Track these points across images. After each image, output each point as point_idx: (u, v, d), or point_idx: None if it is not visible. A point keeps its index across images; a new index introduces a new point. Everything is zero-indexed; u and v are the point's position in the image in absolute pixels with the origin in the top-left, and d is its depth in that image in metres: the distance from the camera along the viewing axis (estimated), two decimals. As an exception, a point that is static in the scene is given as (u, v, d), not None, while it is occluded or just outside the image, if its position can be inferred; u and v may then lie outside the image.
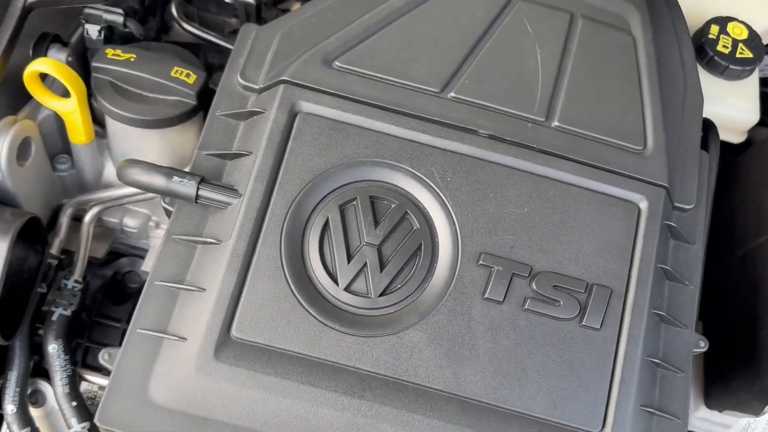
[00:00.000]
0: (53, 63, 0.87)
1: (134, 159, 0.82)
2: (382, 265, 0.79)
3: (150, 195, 1.00)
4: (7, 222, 0.85)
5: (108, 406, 0.74)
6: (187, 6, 1.13)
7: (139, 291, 1.10)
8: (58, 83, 0.90)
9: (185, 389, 0.74)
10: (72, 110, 0.90)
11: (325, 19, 0.89)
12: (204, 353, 0.74)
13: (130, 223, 1.05)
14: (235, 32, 1.17)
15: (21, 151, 0.91)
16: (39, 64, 0.87)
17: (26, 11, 0.89)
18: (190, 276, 0.78)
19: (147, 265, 1.06)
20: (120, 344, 1.04)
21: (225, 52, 1.09)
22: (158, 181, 0.80)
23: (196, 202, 0.80)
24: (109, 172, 1.04)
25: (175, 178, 0.79)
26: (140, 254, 1.12)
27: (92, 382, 1.01)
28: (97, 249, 1.06)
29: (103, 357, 0.79)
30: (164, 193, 0.81)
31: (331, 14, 0.89)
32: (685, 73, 0.94)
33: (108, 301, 1.08)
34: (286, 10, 1.13)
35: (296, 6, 1.15)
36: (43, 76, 0.91)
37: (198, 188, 0.79)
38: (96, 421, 0.73)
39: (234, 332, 0.75)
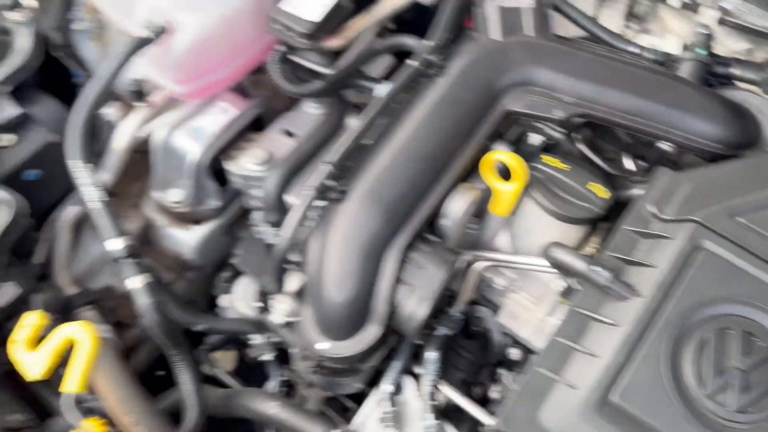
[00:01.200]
0: (514, 156, 1.19)
1: (561, 243, 1.10)
2: (745, 387, 0.96)
3: (522, 264, 1.27)
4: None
5: (511, 415, 0.99)
6: (590, 132, 1.42)
7: (479, 334, 1.39)
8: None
9: (566, 426, 0.97)
10: (512, 192, 1.22)
11: (733, 181, 1.12)
12: (589, 404, 0.97)
13: (499, 281, 1.34)
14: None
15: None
16: (502, 155, 1.20)
17: (504, 115, 1.22)
18: (585, 342, 1.03)
19: (502, 318, 1.32)
20: (462, 372, 1.33)
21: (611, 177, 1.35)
22: (579, 266, 1.06)
23: (601, 289, 1.05)
24: (500, 239, 1.34)
25: (594, 267, 1.05)
26: (489, 306, 1.40)
27: (442, 392, 1.28)
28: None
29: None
30: (579, 276, 1.07)
31: (738, 180, 1.12)
32: None
33: (460, 334, 1.37)
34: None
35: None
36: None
37: (610, 280, 1.04)
38: (500, 421, 0.99)
39: (612, 396, 0.97)
